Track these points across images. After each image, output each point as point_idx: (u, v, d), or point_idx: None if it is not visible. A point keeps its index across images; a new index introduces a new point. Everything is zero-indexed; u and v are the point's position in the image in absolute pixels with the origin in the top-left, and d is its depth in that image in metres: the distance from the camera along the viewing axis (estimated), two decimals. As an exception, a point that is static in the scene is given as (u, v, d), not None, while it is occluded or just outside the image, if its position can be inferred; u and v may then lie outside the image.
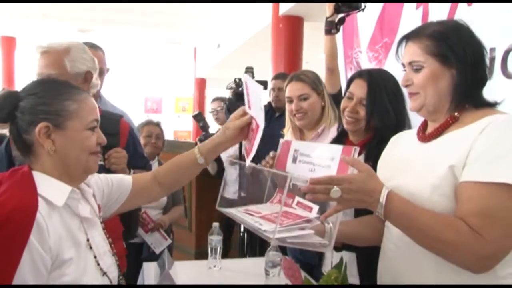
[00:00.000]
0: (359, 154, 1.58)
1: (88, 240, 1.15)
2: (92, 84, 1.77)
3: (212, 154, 1.40)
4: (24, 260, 0.98)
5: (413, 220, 1.06)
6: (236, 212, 1.30)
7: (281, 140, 1.40)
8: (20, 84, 9.40)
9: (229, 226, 3.40)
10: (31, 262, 0.99)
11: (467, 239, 1.01)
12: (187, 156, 1.41)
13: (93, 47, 2.06)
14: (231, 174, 3.42)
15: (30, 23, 8.60)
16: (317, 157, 1.21)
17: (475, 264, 1.03)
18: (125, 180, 1.40)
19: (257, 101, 1.33)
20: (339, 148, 1.15)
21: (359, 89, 1.62)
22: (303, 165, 1.25)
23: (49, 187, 1.08)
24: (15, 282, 0.97)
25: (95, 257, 1.15)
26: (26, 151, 1.12)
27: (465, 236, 1.01)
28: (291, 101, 2.10)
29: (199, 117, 3.33)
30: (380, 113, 1.57)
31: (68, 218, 1.11)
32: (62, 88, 1.16)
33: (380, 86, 1.59)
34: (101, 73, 2.06)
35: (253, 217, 1.25)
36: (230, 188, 3.43)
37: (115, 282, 1.22)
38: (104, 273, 1.16)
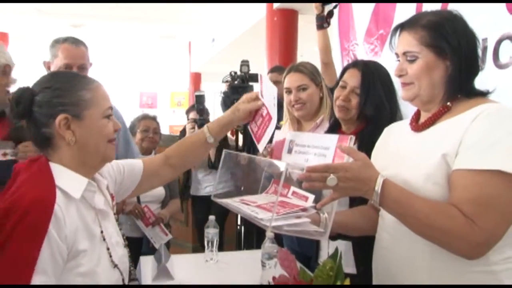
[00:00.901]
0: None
1: (102, 232, 1.16)
2: (11, 79, 1.81)
3: (220, 133, 1.44)
4: (44, 250, 0.99)
5: (408, 208, 1.07)
6: (232, 202, 1.31)
7: (277, 132, 1.41)
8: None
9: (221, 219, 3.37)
10: (50, 252, 1.00)
11: (461, 227, 1.02)
12: (196, 136, 1.46)
13: (74, 42, 2.03)
14: (201, 172, 3.40)
15: (23, 19, 8.53)
16: (312, 147, 1.22)
17: (469, 251, 1.04)
18: (136, 165, 1.41)
19: (271, 98, 1.35)
20: (334, 137, 1.16)
21: (353, 78, 1.64)
22: (298, 156, 1.26)
23: (67, 179, 1.10)
24: (37, 273, 0.98)
25: (108, 249, 1.17)
26: (45, 144, 1.13)
27: (459, 223, 1.02)
28: (289, 92, 2.10)
29: (202, 99, 3.17)
30: (374, 102, 1.58)
31: (84, 210, 1.13)
32: (74, 78, 1.17)
33: (374, 75, 1.61)
34: (84, 69, 2.04)
35: (249, 206, 1.26)
36: (200, 186, 3.44)
37: (126, 274, 1.24)
38: (115, 265, 1.18)
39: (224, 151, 1.41)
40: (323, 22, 2.49)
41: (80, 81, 1.15)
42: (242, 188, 1.45)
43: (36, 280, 0.98)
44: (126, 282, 1.24)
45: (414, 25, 1.17)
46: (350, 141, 1.12)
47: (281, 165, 1.21)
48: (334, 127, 1.75)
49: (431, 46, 1.14)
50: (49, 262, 1.00)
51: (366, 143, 1.49)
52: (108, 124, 1.16)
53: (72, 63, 1.98)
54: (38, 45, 10.66)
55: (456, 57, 1.12)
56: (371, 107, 1.58)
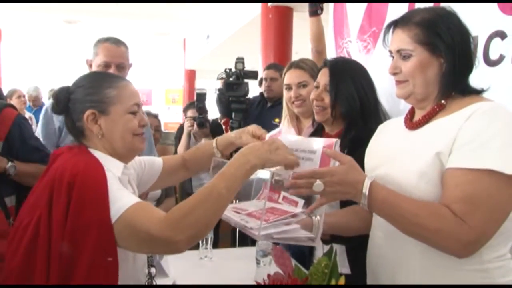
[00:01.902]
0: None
1: None
2: None
3: (226, 149, 1.47)
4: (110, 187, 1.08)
5: (397, 208, 1.07)
6: None
7: (267, 135, 1.41)
8: (6, 76, 9.28)
9: None
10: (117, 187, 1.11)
11: (450, 226, 1.02)
12: (208, 146, 1.50)
13: (115, 42, 2.09)
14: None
15: (16, 15, 8.46)
16: (300, 151, 1.21)
17: (458, 249, 1.05)
18: (156, 163, 1.49)
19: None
20: (320, 141, 1.16)
21: (323, 77, 1.64)
22: None
23: (106, 161, 1.18)
24: (112, 201, 1.07)
25: None
26: (80, 136, 1.24)
27: (448, 222, 1.02)
28: (289, 88, 2.10)
29: (203, 97, 3.12)
30: (344, 97, 1.58)
31: None
32: (104, 78, 1.27)
33: (342, 71, 1.60)
34: (122, 68, 2.08)
35: (240, 215, 1.24)
36: (200, 182, 3.43)
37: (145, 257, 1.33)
38: None
39: (213, 159, 1.40)
40: (317, 8, 2.46)
41: (108, 80, 1.25)
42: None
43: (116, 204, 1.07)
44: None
45: (407, 22, 1.16)
46: (335, 145, 1.11)
47: (266, 172, 1.19)
48: (319, 130, 1.75)
49: (425, 44, 1.13)
50: (119, 189, 1.11)
51: (347, 142, 1.50)
52: (133, 119, 1.23)
53: (110, 61, 2.02)
54: (31, 41, 10.61)
55: (450, 54, 1.12)
56: (342, 102, 1.58)
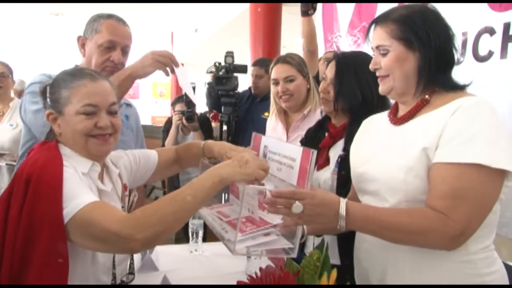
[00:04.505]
0: (339, 138, 1.61)
1: None
2: None
3: (214, 157, 1.44)
4: (66, 184, 1.07)
5: (379, 221, 1.09)
6: (206, 215, 1.28)
7: (253, 134, 1.40)
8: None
9: None
10: (74, 183, 1.09)
11: (435, 224, 1.04)
12: (197, 146, 1.49)
13: (121, 20, 1.80)
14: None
15: (2, 6, 8.30)
16: (282, 156, 1.21)
17: (446, 245, 1.07)
18: (151, 156, 1.49)
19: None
20: (299, 150, 1.15)
21: (331, 70, 1.63)
22: (272, 163, 1.23)
23: (73, 157, 1.19)
24: (68, 198, 1.05)
25: None
26: (53, 131, 1.25)
27: (432, 221, 1.04)
28: (277, 83, 2.10)
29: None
30: (346, 93, 1.57)
31: (89, 185, 1.18)
32: (65, 77, 1.23)
33: (348, 67, 1.59)
34: (126, 53, 1.83)
35: (221, 222, 1.22)
36: (188, 176, 3.42)
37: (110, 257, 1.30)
38: None
39: (201, 161, 1.39)
40: (308, 8, 2.45)
41: (66, 79, 1.22)
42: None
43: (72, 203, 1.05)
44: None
45: (386, 20, 1.19)
46: (312, 155, 1.09)
47: (240, 186, 1.16)
48: (325, 120, 1.75)
49: (401, 39, 1.15)
50: (76, 186, 1.09)
51: (352, 136, 1.50)
52: (84, 121, 1.19)
53: (118, 41, 1.74)
54: (17, 34, 10.42)
55: (425, 49, 1.14)
56: (344, 98, 1.58)
